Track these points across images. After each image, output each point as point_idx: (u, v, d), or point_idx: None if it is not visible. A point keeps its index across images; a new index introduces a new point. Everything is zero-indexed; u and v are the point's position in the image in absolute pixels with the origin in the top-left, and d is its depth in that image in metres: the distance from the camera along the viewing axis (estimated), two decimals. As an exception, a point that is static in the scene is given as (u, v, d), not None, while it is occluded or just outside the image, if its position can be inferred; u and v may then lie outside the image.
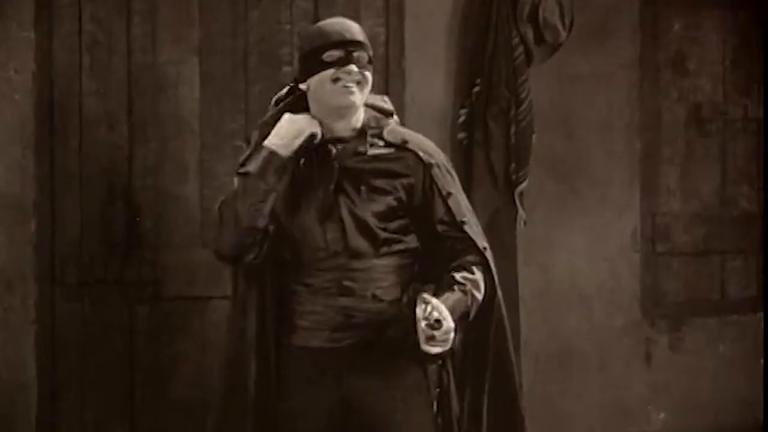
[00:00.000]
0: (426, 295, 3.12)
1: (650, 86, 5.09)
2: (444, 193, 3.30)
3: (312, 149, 3.21)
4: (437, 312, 3.06)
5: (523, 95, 4.67)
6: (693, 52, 5.19)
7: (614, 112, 5.01)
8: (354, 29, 3.22)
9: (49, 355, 4.29)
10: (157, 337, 4.38)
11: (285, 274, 3.25)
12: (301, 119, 3.20)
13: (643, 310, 5.10)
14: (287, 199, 3.19)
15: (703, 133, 5.22)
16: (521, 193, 4.70)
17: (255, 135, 3.30)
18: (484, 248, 3.32)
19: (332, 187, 3.19)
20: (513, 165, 4.67)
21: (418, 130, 4.60)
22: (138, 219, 4.36)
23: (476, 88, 4.64)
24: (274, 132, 3.18)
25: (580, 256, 4.97)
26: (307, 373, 3.23)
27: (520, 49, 4.68)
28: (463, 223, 3.31)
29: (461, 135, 4.67)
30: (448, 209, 3.31)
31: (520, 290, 4.73)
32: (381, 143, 3.28)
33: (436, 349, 3.09)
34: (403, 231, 3.26)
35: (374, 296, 3.22)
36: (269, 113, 3.31)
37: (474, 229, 3.34)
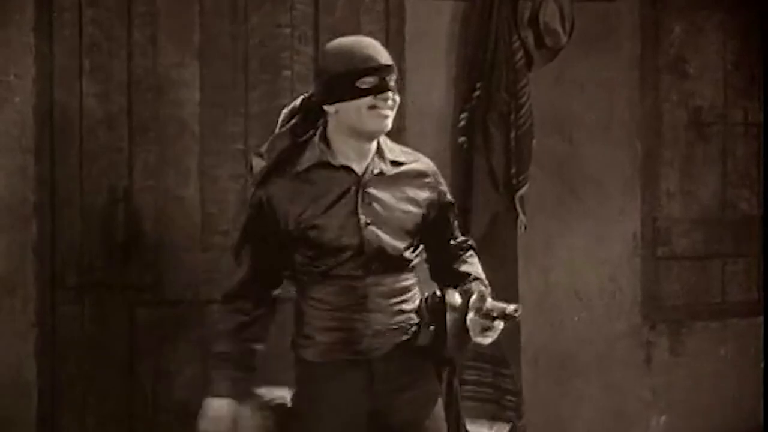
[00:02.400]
0: (475, 285, 3.19)
1: (650, 90, 5.09)
2: (452, 203, 3.40)
3: (332, 173, 3.21)
4: (490, 302, 3.08)
5: (523, 99, 4.67)
6: (693, 55, 5.19)
7: (614, 115, 5.01)
8: (384, 52, 3.20)
9: (49, 358, 4.29)
10: (157, 340, 4.38)
11: (306, 291, 3.25)
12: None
13: (643, 313, 5.10)
14: (314, 216, 3.18)
15: (703, 136, 5.22)
16: (521, 198, 4.70)
17: (265, 148, 3.29)
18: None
19: (355, 207, 3.19)
20: (513, 169, 4.67)
21: (418, 135, 4.64)
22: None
23: (476, 93, 4.64)
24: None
25: (581, 259, 4.97)
26: (334, 389, 3.21)
27: (521, 53, 4.68)
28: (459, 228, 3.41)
29: (461, 139, 4.67)
30: (455, 219, 3.41)
31: (521, 294, 4.73)
32: (397, 161, 3.30)
33: (488, 340, 3.11)
34: (420, 243, 3.31)
35: (401, 310, 3.24)
36: (280, 127, 3.30)
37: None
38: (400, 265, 3.23)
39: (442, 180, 3.40)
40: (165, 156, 4.38)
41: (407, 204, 3.26)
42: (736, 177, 5.27)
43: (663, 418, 5.14)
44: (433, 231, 3.33)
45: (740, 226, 5.27)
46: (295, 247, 3.21)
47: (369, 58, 3.14)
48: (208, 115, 4.42)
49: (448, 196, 3.39)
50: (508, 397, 4.67)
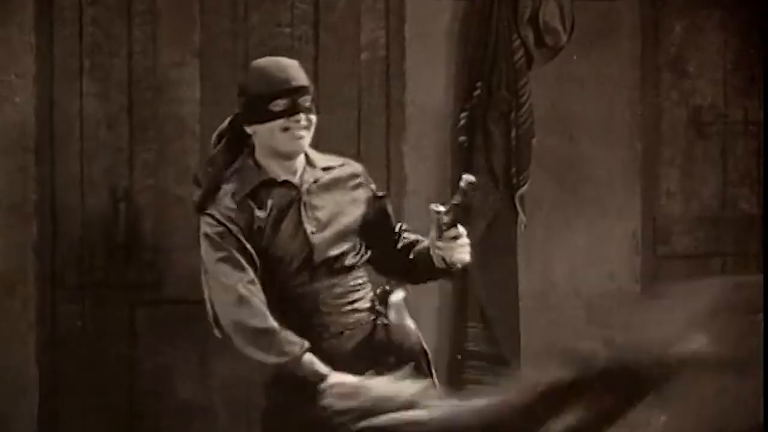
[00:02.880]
0: (433, 207, 3.26)
1: (651, 89, 5.09)
2: (384, 196, 3.47)
3: (273, 189, 3.26)
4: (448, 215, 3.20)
5: (523, 98, 4.67)
6: (693, 54, 5.18)
7: (615, 114, 5.01)
8: (299, 74, 3.27)
9: (49, 357, 4.30)
10: (157, 340, 4.38)
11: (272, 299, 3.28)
12: None
13: (643, 312, 5.10)
14: (263, 233, 3.23)
15: (703, 135, 5.22)
16: (522, 197, 4.70)
17: (200, 174, 3.37)
18: None
19: (301, 218, 3.25)
20: (513, 168, 4.67)
21: (418, 134, 4.65)
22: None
23: (477, 92, 4.64)
24: None
25: (581, 258, 4.97)
26: (299, 391, 3.22)
27: (521, 52, 4.68)
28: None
29: (462, 138, 4.67)
30: (391, 210, 3.49)
31: (521, 293, 4.74)
32: (327, 166, 3.37)
33: (465, 252, 3.23)
34: (365, 241, 3.37)
35: (355, 309, 3.28)
36: (213, 148, 3.39)
37: None
38: (349, 266, 3.29)
39: (370, 178, 3.47)
40: (165, 155, 4.38)
41: (348, 206, 3.34)
42: (736, 176, 5.27)
43: (663, 418, 5.14)
44: (375, 227, 3.41)
45: (740, 225, 5.27)
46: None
47: (282, 81, 3.23)
48: (208, 114, 4.42)
49: (379, 192, 3.46)
50: (509, 396, 4.67)
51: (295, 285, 3.24)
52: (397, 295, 3.34)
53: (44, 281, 4.28)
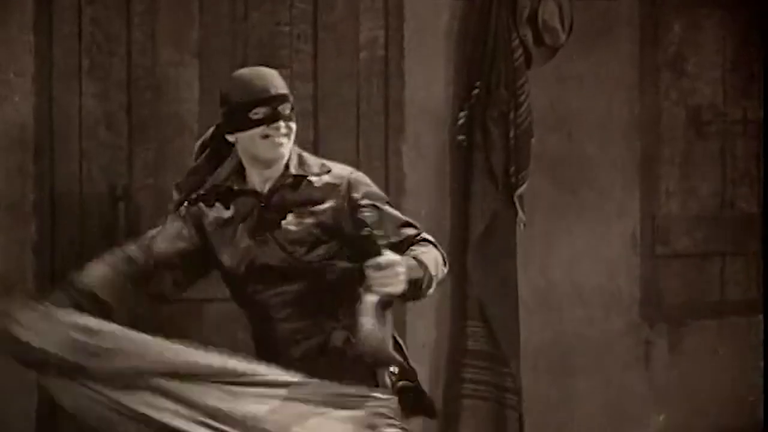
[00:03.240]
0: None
1: (650, 88, 5.09)
2: (373, 204, 3.32)
3: (237, 197, 3.30)
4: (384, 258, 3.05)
5: (522, 97, 4.67)
6: (692, 53, 5.19)
7: (614, 114, 5.01)
8: (277, 82, 3.29)
9: (48, 357, 4.28)
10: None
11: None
12: None
13: (642, 312, 5.10)
14: (221, 240, 3.28)
15: (702, 134, 5.22)
16: (521, 196, 4.70)
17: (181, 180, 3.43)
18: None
19: (257, 226, 3.27)
20: (512, 167, 4.67)
21: (417, 133, 4.65)
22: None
23: (476, 91, 4.64)
24: None
25: (580, 258, 4.97)
26: None
27: (520, 51, 4.68)
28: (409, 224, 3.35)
29: (461, 137, 4.67)
30: (388, 218, 3.35)
31: (520, 292, 4.74)
32: (301, 175, 3.33)
33: (387, 289, 3.05)
34: (334, 255, 3.30)
35: (310, 315, 3.26)
36: (195, 158, 3.43)
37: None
38: (306, 273, 3.26)
39: (359, 186, 3.33)
40: (164, 154, 4.38)
41: (308, 216, 3.29)
42: (735, 175, 5.28)
43: (662, 416, 5.14)
44: (352, 236, 3.30)
45: (739, 224, 5.28)
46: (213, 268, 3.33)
47: (261, 90, 3.25)
48: (207, 114, 4.41)
49: (365, 200, 3.31)
50: (508, 395, 4.67)
51: (252, 292, 3.28)
52: (370, 299, 3.24)
53: (43, 280, 4.27)
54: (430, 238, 3.34)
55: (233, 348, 4.37)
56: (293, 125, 3.29)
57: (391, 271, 3.03)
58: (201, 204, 3.34)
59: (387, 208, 3.31)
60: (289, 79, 4.41)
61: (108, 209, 4.33)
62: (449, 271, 4.67)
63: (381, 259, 3.02)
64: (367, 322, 3.20)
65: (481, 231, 4.64)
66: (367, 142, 4.54)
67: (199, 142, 3.47)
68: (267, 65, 4.41)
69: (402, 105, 4.62)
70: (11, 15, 4.20)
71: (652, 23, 5.08)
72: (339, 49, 4.55)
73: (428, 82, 4.67)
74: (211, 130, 3.43)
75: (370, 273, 3.04)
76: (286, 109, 3.26)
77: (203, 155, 3.42)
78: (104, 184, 4.33)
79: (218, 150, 3.39)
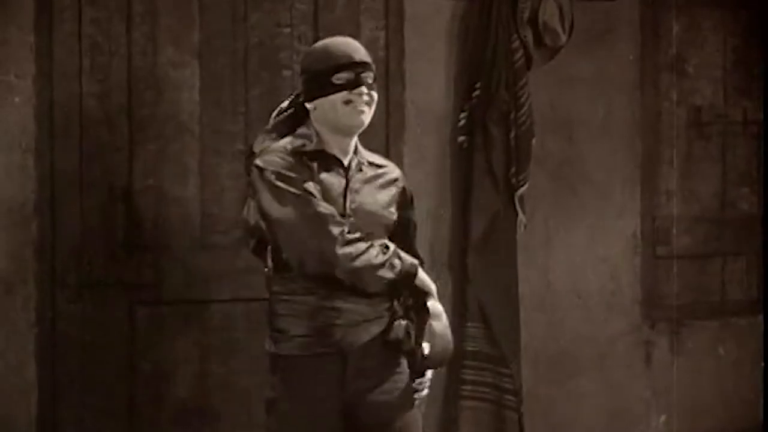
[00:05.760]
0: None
1: (650, 88, 5.09)
2: (412, 217, 3.50)
3: (326, 161, 3.29)
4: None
5: (523, 98, 4.67)
6: (693, 54, 5.19)
7: (614, 114, 5.01)
8: (361, 50, 3.32)
9: (49, 357, 4.29)
10: (157, 340, 4.38)
11: (281, 284, 3.29)
12: None
13: (643, 312, 5.10)
14: (295, 207, 3.20)
15: (703, 135, 5.23)
16: (521, 197, 4.70)
17: (260, 140, 3.38)
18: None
19: (345, 194, 3.27)
20: (513, 168, 4.67)
21: (418, 134, 4.65)
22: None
23: (476, 92, 4.64)
24: None
25: (581, 258, 4.97)
26: (308, 382, 3.24)
27: (520, 52, 4.68)
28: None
29: (461, 138, 4.67)
30: (414, 228, 3.52)
31: (521, 293, 4.74)
32: (373, 162, 3.43)
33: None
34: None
35: (374, 303, 3.25)
36: (271, 123, 3.43)
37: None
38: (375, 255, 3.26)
39: (408, 187, 3.52)
40: (165, 155, 4.38)
41: (385, 203, 3.37)
42: (735, 176, 5.28)
43: (663, 417, 5.14)
44: (397, 232, 3.42)
45: (740, 224, 5.28)
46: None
47: (344, 55, 3.26)
48: (207, 115, 4.42)
49: (413, 205, 3.52)
50: (508, 397, 4.67)
51: (324, 266, 3.22)
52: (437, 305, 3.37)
53: (44, 281, 4.28)
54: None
55: (233, 349, 4.40)
56: (375, 95, 3.30)
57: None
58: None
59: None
60: (290, 80, 4.43)
61: (108, 210, 4.33)
62: (449, 272, 4.71)
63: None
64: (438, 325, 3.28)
65: (482, 232, 4.63)
66: (368, 143, 4.55)
67: (275, 112, 3.45)
68: (267, 67, 4.46)
69: (402, 106, 4.62)
70: (11, 15, 4.20)
71: (652, 24, 5.09)
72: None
73: (429, 83, 4.67)
74: (288, 101, 3.42)
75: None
76: (368, 77, 3.27)
77: (280, 117, 3.41)
78: (104, 185, 4.33)
79: (293, 119, 3.38)
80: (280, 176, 3.21)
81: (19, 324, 4.25)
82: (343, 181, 3.29)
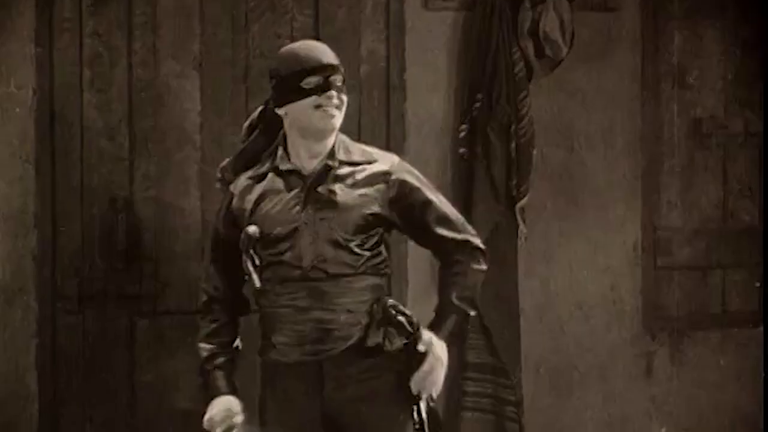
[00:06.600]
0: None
1: (651, 100, 5.09)
2: (425, 201, 3.34)
3: (285, 172, 3.28)
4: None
5: (524, 110, 4.67)
6: (694, 65, 5.18)
7: (615, 125, 5.01)
8: (328, 53, 3.28)
9: (49, 368, 4.29)
10: (157, 350, 4.38)
11: (264, 295, 3.29)
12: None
13: (644, 323, 5.09)
14: (268, 218, 3.24)
15: (704, 146, 5.22)
16: (522, 209, 4.70)
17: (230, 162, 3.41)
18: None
19: (304, 207, 3.24)
20: (514, 180, 4.67)
21: (419, 145, 4.65)
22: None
23: (477, 103, 4.64)
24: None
25: (581, 269, 4.96)
26: (290, 389, 3.25)
27: (521, 64, 4.68)
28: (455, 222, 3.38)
29: (462, 150, 4.67)
30: (432, 215, 3.35)
31: (521, 303, 4.73)
32: (349, 161, 3.33)
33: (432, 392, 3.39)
34: (378, 244, 3.31)
35: (349, 310, 3.25)
36: (244, 139, 3.41)
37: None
38: (350, 265, 3.24)
39: (407, 176, 3.35)
40: (165, 166, 4.39)
41: (357, 202, 3.27)
42: (736, 187, 5.26)
43: (663, 428, 5.14)
44: (407, 226, 3.35)
45: (741, 236, 5.26)
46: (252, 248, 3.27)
47: (312, 59, 3.24)
48: (208, 125, 4.42)
49: (415, 194, 3.34)
50: (509, 408, 4.67)
51: (290, 277, 3.23)
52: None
53: (44, 292, 4.28)
54: (471, 240, 3.37)
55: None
56: (344, 98, 3.26)
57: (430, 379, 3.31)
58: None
59: (432, 198, 3.32)
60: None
61: (109, 221, 4.33)
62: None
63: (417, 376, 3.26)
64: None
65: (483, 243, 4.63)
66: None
67: (246, 123, 3.44)
68: (267, 77, 4.44)
69: (403, 117, 4.62)
70: (12, 27, 4.21)
71: (653, 35, 5.08)
72: (340, 62, 4.55)
73: (430, 95, 4.67)
74: (259, 109, 3.40)
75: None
76: (337, 80, 3.24)
77: (251, 137, 3.40)
78: (105, 196, 4.33)
79: (266, 130, 3.36)
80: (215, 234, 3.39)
81: (19, 334, 4.25)
82: (303, 193, 3.25)
